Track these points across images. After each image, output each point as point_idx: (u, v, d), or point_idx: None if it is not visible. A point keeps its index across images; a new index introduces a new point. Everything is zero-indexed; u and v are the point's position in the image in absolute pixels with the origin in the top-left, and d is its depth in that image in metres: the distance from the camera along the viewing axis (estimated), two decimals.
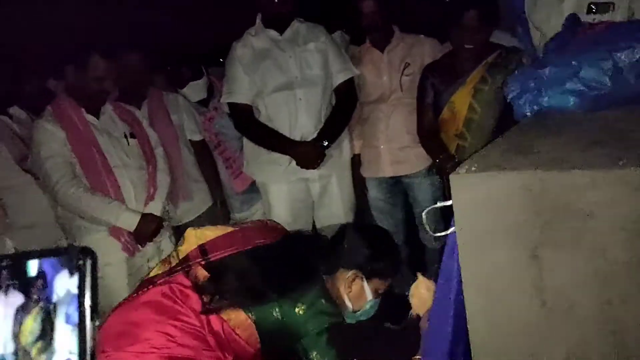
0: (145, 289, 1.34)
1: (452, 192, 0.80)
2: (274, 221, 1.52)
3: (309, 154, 2.37)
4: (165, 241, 2.25)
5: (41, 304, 0.33)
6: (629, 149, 0.73)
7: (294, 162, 2.40)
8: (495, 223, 0.77)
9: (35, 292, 0.33)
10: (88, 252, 0.34)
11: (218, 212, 2.59)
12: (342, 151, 2.54)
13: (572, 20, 1.35)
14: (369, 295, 1.41)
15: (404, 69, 2.44)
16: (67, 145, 2.04)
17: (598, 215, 0.68)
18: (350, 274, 1.39)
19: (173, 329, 1.20)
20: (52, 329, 0.33)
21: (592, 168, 0.67)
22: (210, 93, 2.67)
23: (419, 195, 2.50)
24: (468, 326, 0.83)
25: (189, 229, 1.38)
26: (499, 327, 0.80)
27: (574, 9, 1.64)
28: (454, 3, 2.28)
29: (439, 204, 0.90)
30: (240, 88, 2.42)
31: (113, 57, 2.15)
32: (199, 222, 2.53)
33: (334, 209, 2.52)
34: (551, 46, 1.22)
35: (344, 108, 2.48)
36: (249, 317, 1.29)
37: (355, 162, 2.60)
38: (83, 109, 2.11)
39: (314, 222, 2.58)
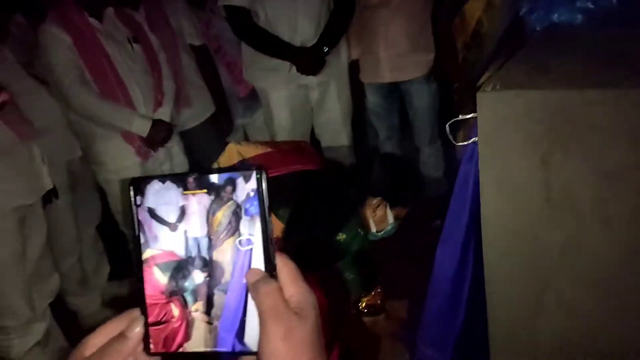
0: None
1: (477, 107, 0.92)
2: (307, 143, 1.65)
3: (310, 60, 2.41)
4: (175, 147, 2.35)
5: (229, 203, 0.45)
6: (632, 69, 0.85)
7: (294, 69, 2.45)
8: (514, 134, 0.90)
9: (224, 195, 0.45)
10: (261, 168, 0.46)
11: (221, 119, 2.66)
12: (340, 57, 2.59)
13: None
14: (391, 219, 1.64)
15: None
16: (74, 51, 2.05)
17: (603, 126, 0.82)
18: (376, 200, 1.60)
19: None
20: (237, 220, 0.45)
21: (604, 87, 0.80)
22: None
23: (416, 101, 2.61)
24: (482, 218, 1.00)
25: (230, 144, 1.48)
26: (509, 219, 0.96)
27: None
28: None
29: (460, 117, 1.02)
30: None
31: None
32: (202, 129, 2.62)
33: (333, 115, 2.62)
34: None
35: (343, 13, 2.49)
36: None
37: (353, 67, 2.66)
38: (86, 13, 2.09)
39: (312, 127, 2.69)
